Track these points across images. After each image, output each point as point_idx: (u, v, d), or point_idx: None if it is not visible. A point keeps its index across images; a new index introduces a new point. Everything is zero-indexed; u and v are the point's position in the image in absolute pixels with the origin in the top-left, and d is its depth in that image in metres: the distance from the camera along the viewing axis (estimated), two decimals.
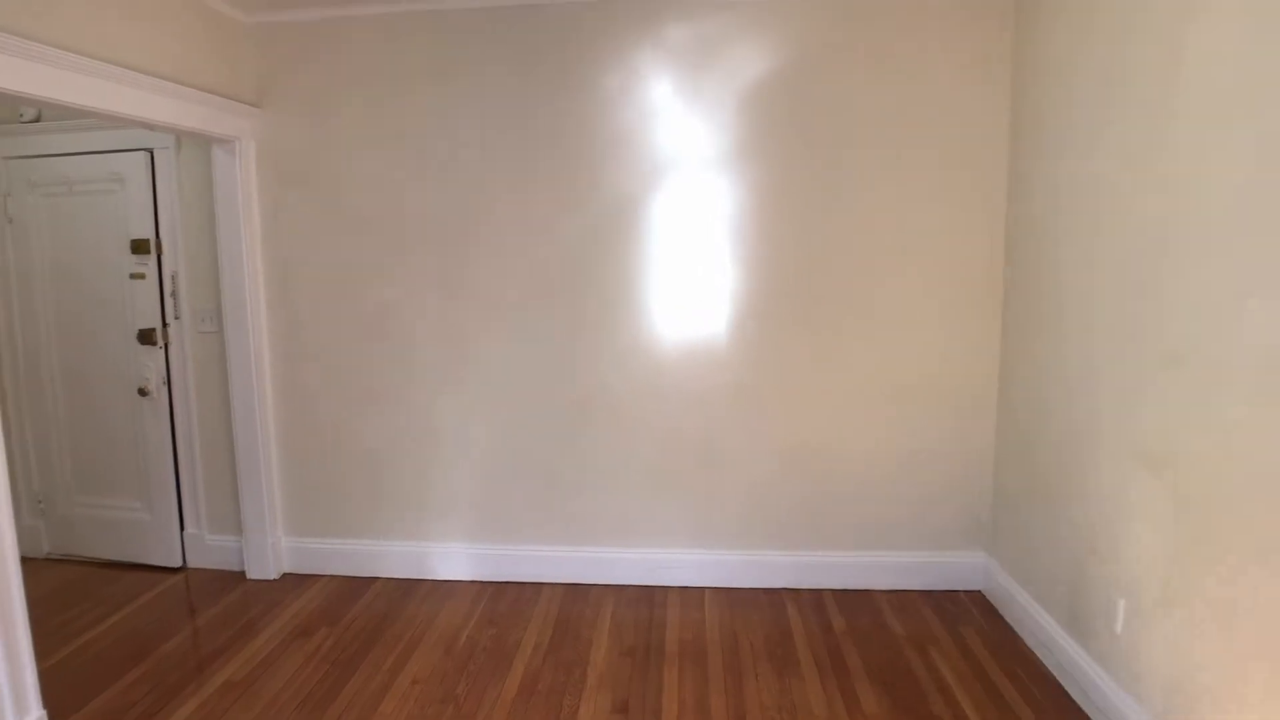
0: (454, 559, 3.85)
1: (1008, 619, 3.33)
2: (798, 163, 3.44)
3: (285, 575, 3.94)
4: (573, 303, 3.62)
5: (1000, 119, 3.34)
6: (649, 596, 3.64)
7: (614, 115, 3.49)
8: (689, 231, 3.54)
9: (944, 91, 3.34)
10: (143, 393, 3.91)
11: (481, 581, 3.83)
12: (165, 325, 3.90)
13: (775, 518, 3.66)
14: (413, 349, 3.74)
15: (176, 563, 4.03)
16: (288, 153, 3.70)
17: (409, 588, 3.77)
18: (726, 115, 3.44)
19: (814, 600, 3.56)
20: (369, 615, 3.51)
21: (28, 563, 4.12)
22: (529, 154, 3.54)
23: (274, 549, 3.90)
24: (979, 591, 3.60)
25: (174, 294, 3.87)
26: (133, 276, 3.85)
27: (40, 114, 3.82)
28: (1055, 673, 2.91)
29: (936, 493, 3.57)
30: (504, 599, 3.64)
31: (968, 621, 3.34)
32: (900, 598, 3.56)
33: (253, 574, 3.91)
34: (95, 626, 3.45)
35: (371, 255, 3.70)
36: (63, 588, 3.85)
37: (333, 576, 3.91)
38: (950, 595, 3.58)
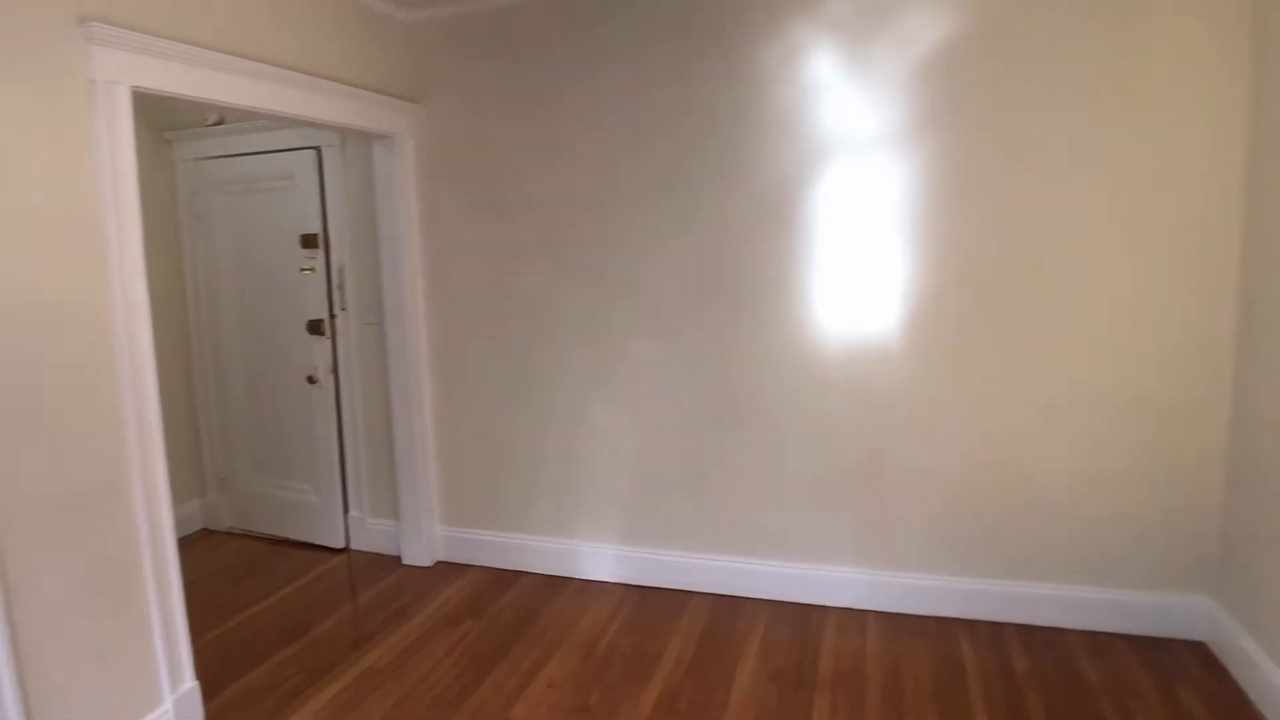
0: (601, 559, 3.73)
1: (1236, 677, 2.76)
2: (983, 137, 3.02)
3: (439, 563, 3.98)
4: (727, 297, 3.39)
5: (1243, 80, 2.76)
6: (804, 615, 3.35)
7: (773, 93, 3.22)
8: (853, 218, 3.20)
9: (1176, 42, 2.81)
10: (311, 381, 4.08)
11: (627, 584, 3.69)
12: (333, 317, 4.04)
13: (951, 539, 3.26)
14: (563, 344, 3.65)
15: (340, 544, 4.19)
16: (443, 146, 3.72)
17: (555, 585, 3.70)
18: (898, 87, 3.08)
19: (992, 635, 3.13)
20: (513, 610, 3.46)
21: (211, 535, 4.47)
22: (684, 140, 3.35)
23: (429, 537, 3.95)
24: (1201, 642, 3.03)
25: (340, 286, 4.00)
26: (303, 270, 4.02)
27: (222, 118, 4.06)
28: None
29: (1149, 522, 3.03)
30: (649, 605, 3.48)
31: (1183, 677, 2.81)
32: (1098, 641, 3.06)
33: (408, 560, 3.99)
34: (260, 601, 3.62)
35: (523, 248, 3.65)
36: (238, 562, 4.09)
37: (483, 568, 3.91)
38: (1162, 643, 3.03)
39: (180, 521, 4.31)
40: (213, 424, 4.42)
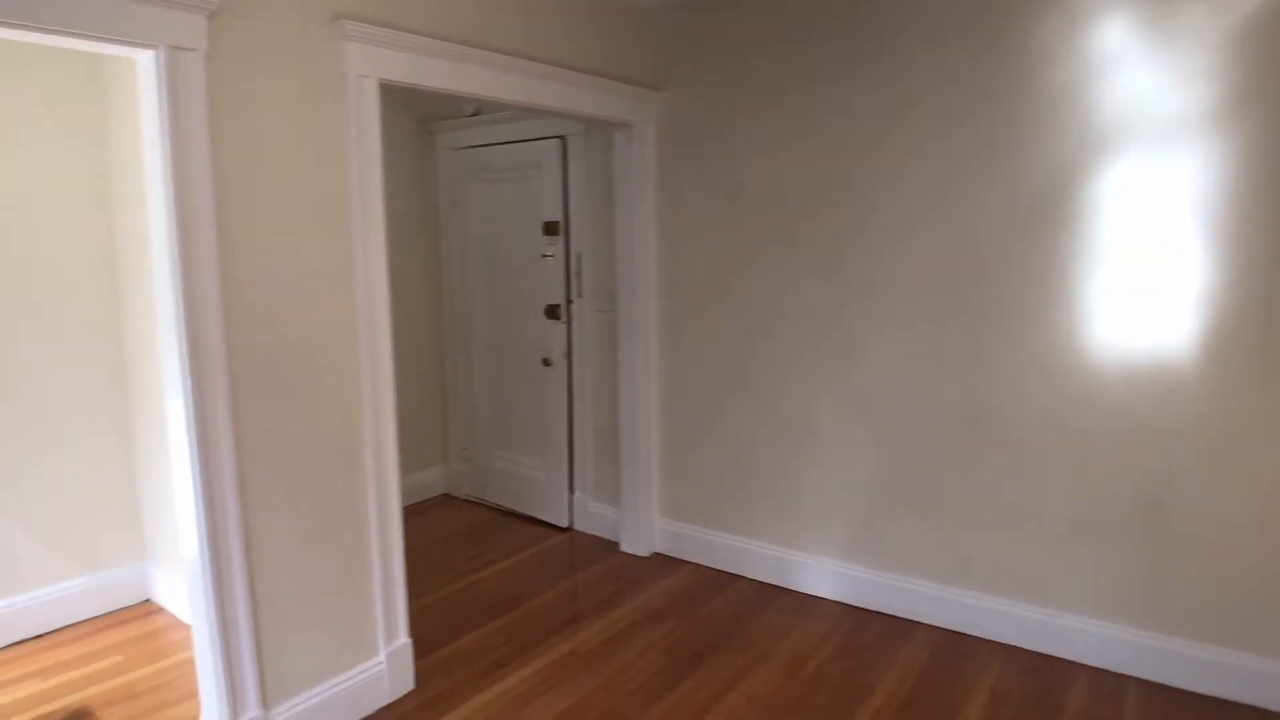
0: (821, 574, 3.48)
1: None
2: None
3: (655, 555, 3.95)
4: (982, 299, 2.98)
5: None
6: (1047, 669, 2.88)
7: (1046, 71, 2.76)
8: (1141, 215, 2.66)
9: None
10: (546, 363, 4.22)
11: (847, 604, 3.41)
12: (569, 302, 4.15)
13: (1247, 604, 2.62)
14: (793, 342, 3.44)
15: (564, 523, 4.30)
16: (681, 135, 3.65)
17: (769, 594, 3.51)
18: (1210, 56, 2.49)
19: None
20: (722, 614, 3.33)
21: (450, 500, 4.78)
22: (937, 125, 2.99)
23: (647, 527, 3.93)
24: None
25: (578, 273, 4.09)
26: (544, 256, 4.16)
27: (479, 109, 4.31)
28: None
29: None
30: (868, 630, 3.18)
31: None
32: None
33: (626, 547, 4.00)
34: (483, 569, 3.80)
35: (757, 240, 3.48)
36: (469, 529, 4.34)
37: (698, 566, 3.82)
38: None
39: (424, 486, 4.70)
40: (459, 398, 4.74)
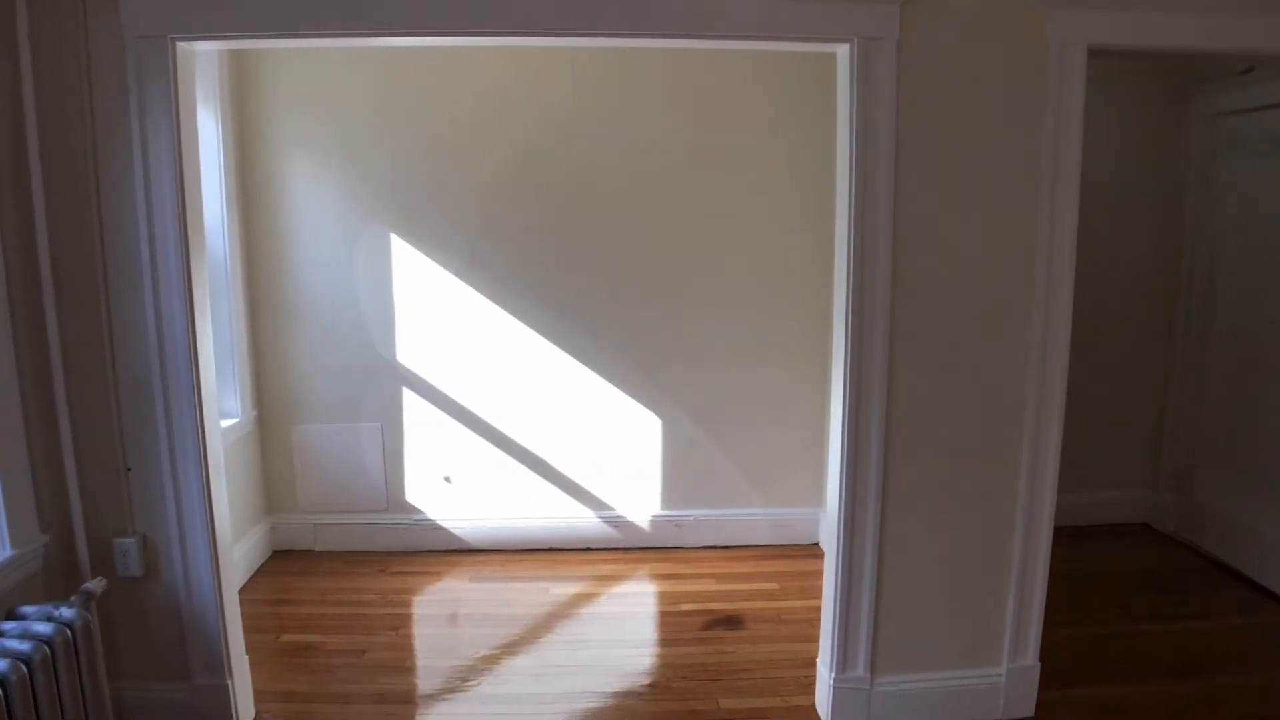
0: None
1: None
2: None
3: None
4: None
5: None
6: None
7: None
8: None
9: None
10: None
11: None
12: None
13: None
14: None
15: None
16: None
17: None
18: None
19: None
20: None
21: (1150, 532, 4.10)
22: None
23: None
24: None
25: None
26: None
27: (1252, 65, 3.41)
28: None
29: None
30: None
31: None
32: None
33: None
34: (1164, 621, 3.15)
35: None
36: (1162, 572, 3.62)
37: None
38: None
39: (1114, 508, 4.12)
40: (1181, 415, 3.94)
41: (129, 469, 2.24)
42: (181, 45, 2.12)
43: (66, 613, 1.90)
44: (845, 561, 2.39)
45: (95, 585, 2.08)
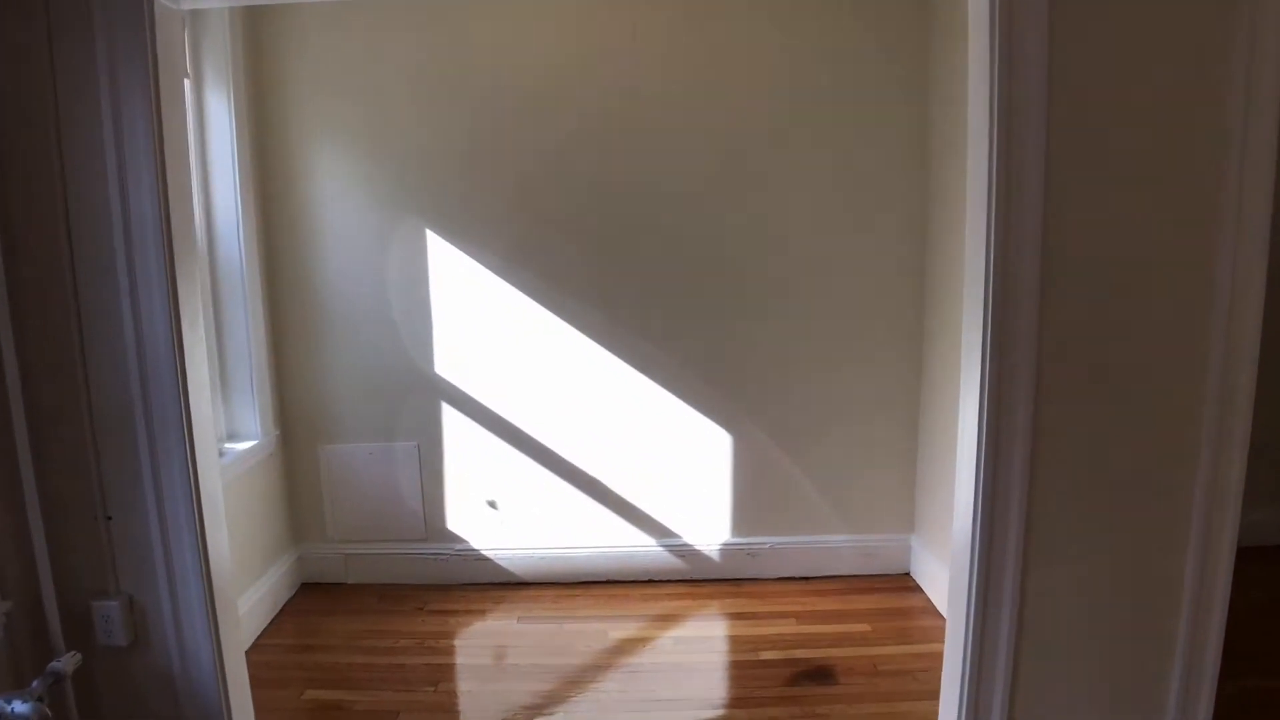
0: None
1: None
2: None
3: None
4: None
5: None
6: None
7: None
8: None
9: None
10: None
11: None
12: None
13: None
14: None
15: None
16: None
17: None
18: None
19: None
20: None
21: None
22: None
23: None
24: None
25: None
26: None
27: None
28: None
29: None
30: None
31: None
32: None
33: None
34: None
35: None
36: None
37: None
38: None
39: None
40: None
41: (109, 517, 1.84)
42: (161, 2, 1.74)
43: (20, 708, 1.51)
44: (977, 614, 1.92)
45: (66, 663, 1.70)
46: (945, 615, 3.04)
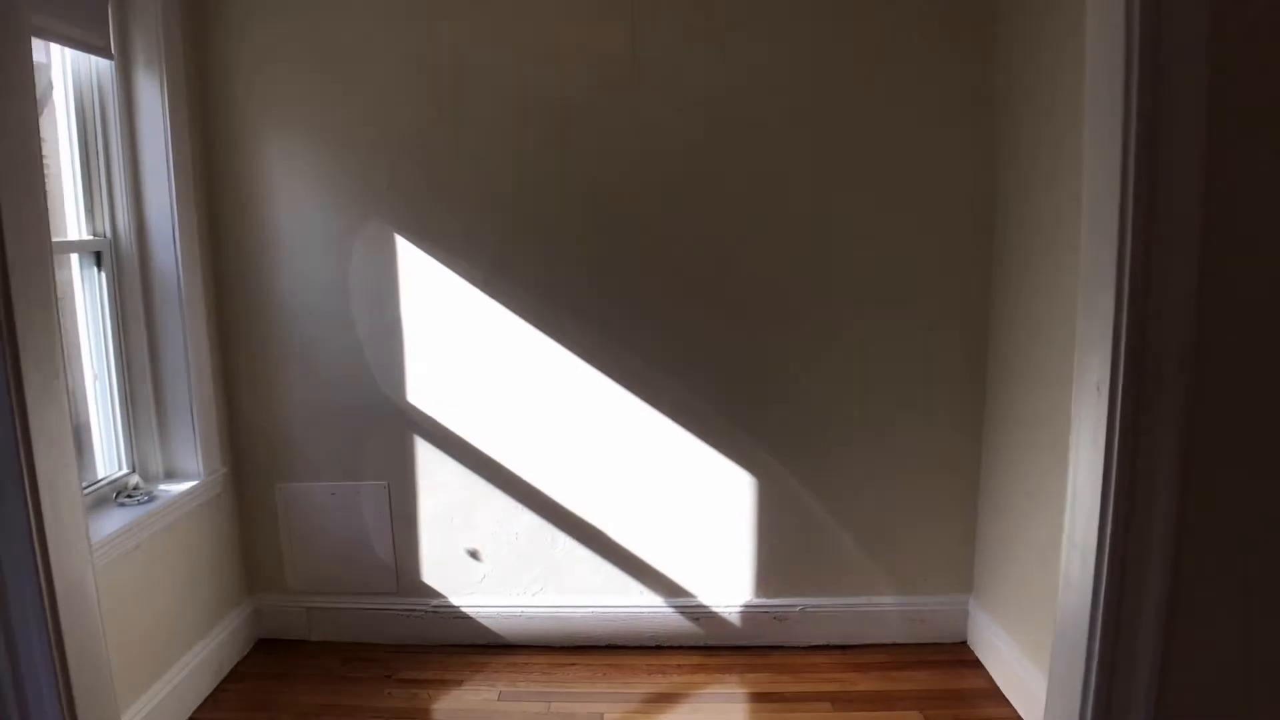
0: None
1: None
2: None
3: None
4: None
5: None
6: None
7: None
8: None
9: None
10: None
11: None
12: None
13: None
14: None
15: None
16: None
17: None
18: None
19: None
20: None
21: None
22: None
23: None
24: None
25: None
26: None
27: None
28: None
29: None
30: None
31: None
32: None
33: None
34: None
35: None
36: None
37: None
38: None
39: None
40: None
41: None
42: None
43: None
44: None
45: None
46: (1012, 702, 2.51)
